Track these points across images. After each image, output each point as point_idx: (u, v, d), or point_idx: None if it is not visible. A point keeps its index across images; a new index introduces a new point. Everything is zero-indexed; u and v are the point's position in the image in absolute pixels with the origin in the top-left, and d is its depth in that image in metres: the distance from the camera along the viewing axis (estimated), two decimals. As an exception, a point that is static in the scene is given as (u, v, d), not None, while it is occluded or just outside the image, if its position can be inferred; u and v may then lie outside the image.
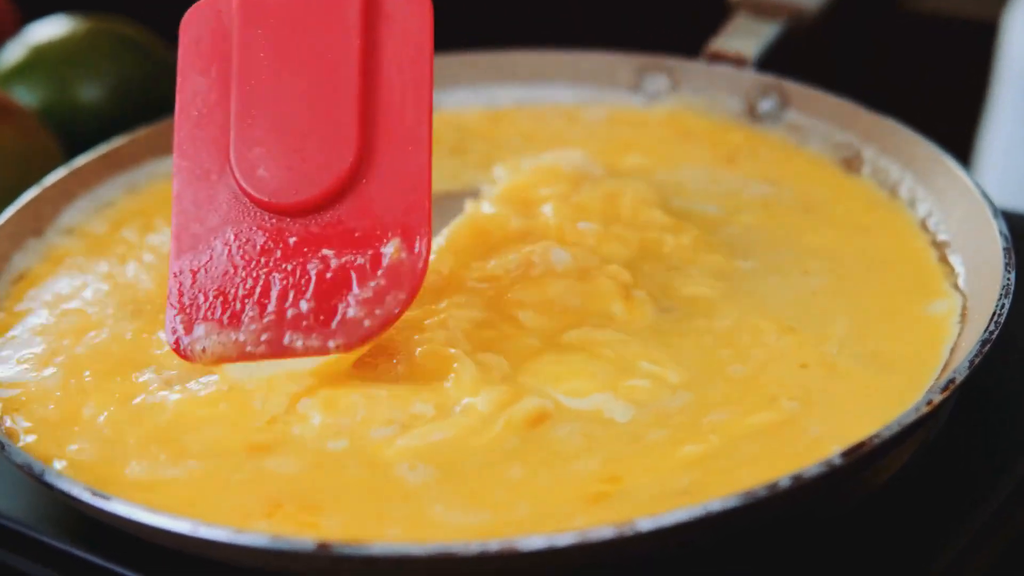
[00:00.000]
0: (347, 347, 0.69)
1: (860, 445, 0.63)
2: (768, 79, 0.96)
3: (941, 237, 0.82)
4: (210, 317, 0.71)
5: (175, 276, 0.72)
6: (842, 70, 1.26)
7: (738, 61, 0.97)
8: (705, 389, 0.71)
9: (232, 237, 0.72)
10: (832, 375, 0.72)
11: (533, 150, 0.92)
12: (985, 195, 0.79)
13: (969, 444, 0.74)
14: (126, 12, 1.12)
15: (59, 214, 0.89)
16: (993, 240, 0.76)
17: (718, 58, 0.98)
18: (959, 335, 0.74)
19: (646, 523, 0.60)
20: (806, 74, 0.95)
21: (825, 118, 0.93)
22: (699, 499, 0.62)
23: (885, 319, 0.76)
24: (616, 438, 0.68)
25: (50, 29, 1.08)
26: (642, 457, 0.67)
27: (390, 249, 0.70)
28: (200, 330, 0.71)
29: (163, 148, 0.95)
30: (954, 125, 1.05)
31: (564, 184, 0.85)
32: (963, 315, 0.75)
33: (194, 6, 0.75)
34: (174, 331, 0.71)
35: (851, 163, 0.90)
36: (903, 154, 0.87)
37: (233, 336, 0.70)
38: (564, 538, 0.60)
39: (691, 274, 0.79)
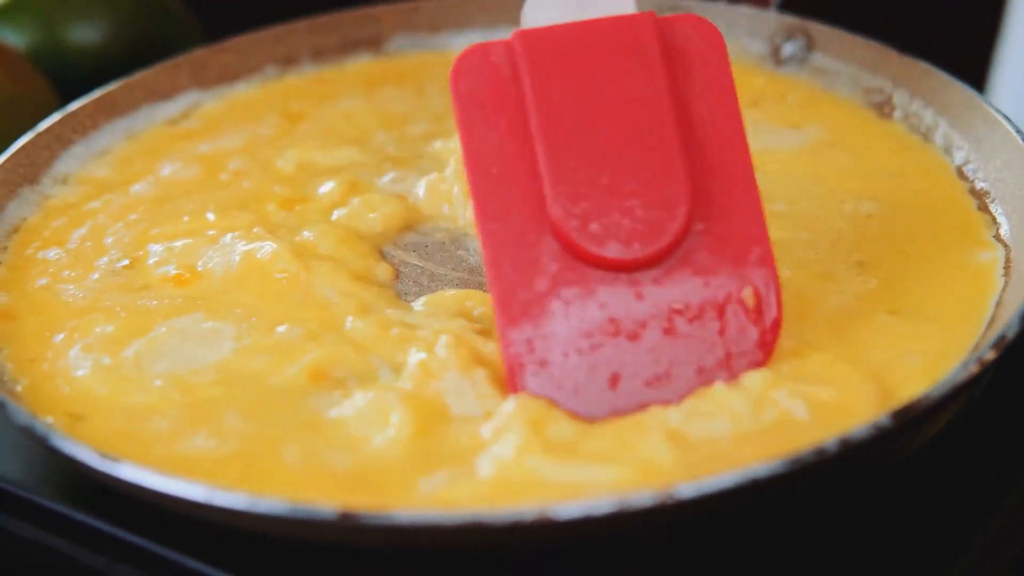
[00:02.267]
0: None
1: (910, 406, 0.60)
2: (792, 20, 0.92)
3: (980, 185, 0.78)
4: (560, 385, 0.66)
5: (508, 347, 0.66)
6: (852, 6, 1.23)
7: (760, 1, 0.94)
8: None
9: (571, 299, 0.67)
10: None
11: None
12: (1028, 141, 0.76)
13: (1012, 401, 0.71)
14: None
15: (55, 161, 0.85)
16: (1037, 188, 0.73)
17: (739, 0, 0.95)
18: (1004, 288, 0.71)
19: (687, 490, 0.57)
20: (818, 8, 0.92)
21: (853, 61, 0.89)
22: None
23: (926, 270, 0.73)
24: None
25: (38, -32, 1.04)
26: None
27: (745, 296, 0.67)
28: (550, 393, 0.66)
29: (161, 92, 0.92)
30: (966, 51, 1.02)
31: None
32: (1007, 267, 0.72)
33: (462, 56, 0.69)
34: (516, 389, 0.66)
35: (882, 107, 0.87)
36: (938, 99, 0.84)
37: (588, 396, 0.66)
38: (602, 506, 0.57)
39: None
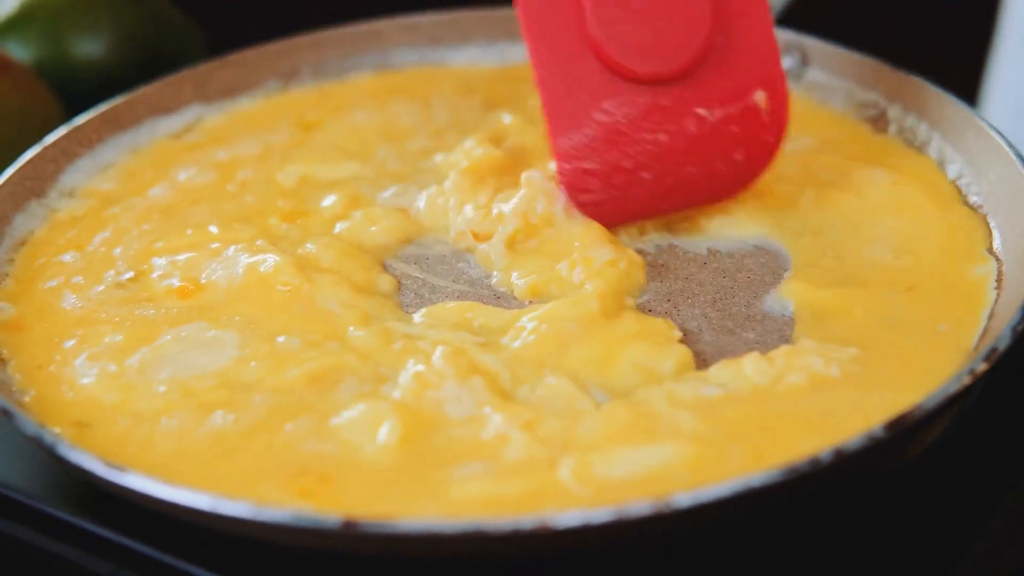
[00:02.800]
0: (731, 193, 0.78)
1: (903, 417, 0.61)
2: (789, 36, 0.93)
3: (973, 199, 0.79)
4: (605, 184, 0.76)
5: (561, 155, 0.76)
6: (849, 21, 1.24)
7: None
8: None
9: (612, 108, 0.75)
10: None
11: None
12: (1020, 156, 0.77)
13: (1005, 410, 0.72)
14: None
15: (60, 174, 0.86)
16: (1030, 204, 0.74)
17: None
18: (996, 301, 0.72)
19: (684, 499, 0.58)
20: (806, 23, 0.94)
21: (848, 76, 0.90)
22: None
23: (919, 283, 0.74)
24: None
25: (44, -19, 1.05)
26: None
27: (760, 98, 0.76)
28: (592, 195, 0.76)
29: (165, 106, 0.93)
30: (960, 67, 1.03)
31: None
32: (999, 280, 0.73)
33: None
34: (573, 195, 0.77)
35: (876, 122, 0.88)
36: (931, 113, 0.85)
37: (631, 195, 0.76)
38: (600, 515, 0.58)
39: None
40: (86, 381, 0.71)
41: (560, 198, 0.77)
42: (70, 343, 0.74)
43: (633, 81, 0.76)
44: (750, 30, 0.76)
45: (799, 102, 0.91)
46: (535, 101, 0.93)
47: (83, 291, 0.77)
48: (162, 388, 0.70)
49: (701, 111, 0.76)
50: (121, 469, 0.62)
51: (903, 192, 0.81)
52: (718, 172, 0.77)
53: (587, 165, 0.76)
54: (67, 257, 0.80)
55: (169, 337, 0.73)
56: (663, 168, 0.76)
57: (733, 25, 0.76)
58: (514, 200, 0.78)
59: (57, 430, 0.67)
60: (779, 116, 0.77)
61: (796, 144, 0.86)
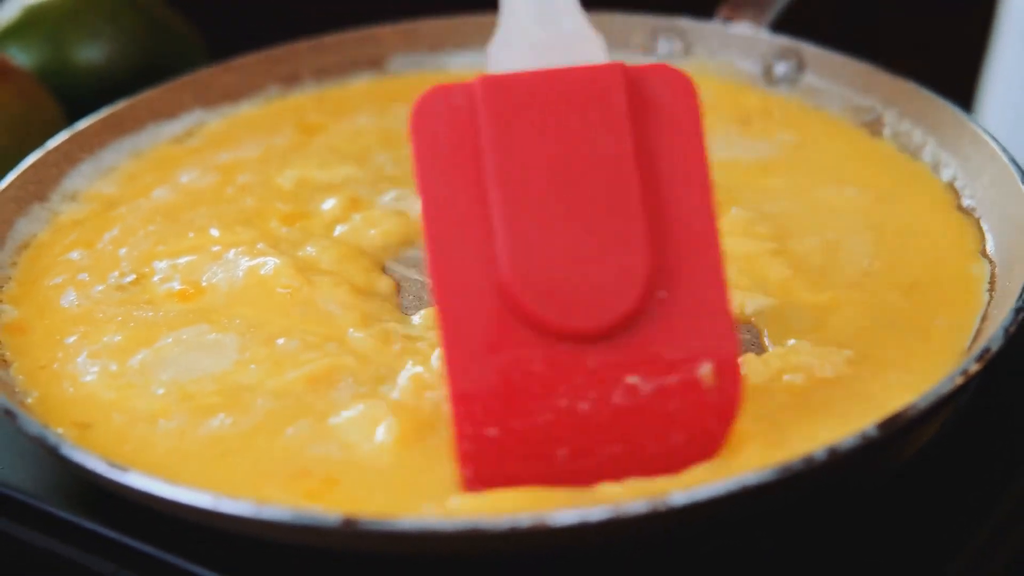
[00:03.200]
0: (670, 471, 0.63)
1: (896, 417, 0.62)
2: (784, 41, 0.94)
3: (967, 202, 0.80)
4: (509, 453, 0.63)
5: (458, 402, 0.63)
6: (844, 27, 1.25)
7: (753, 22, 0.95)
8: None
9: (520, 362, 0.63)
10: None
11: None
12: (1013, 160, 0.78)
13: (998, 411, 0.73)
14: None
15: (63, 178, 0.87)
16: (1022, 206, 0.75)
17: (733, 19, 0.96)
18: (989, 303, 0.72)
19: (680, 498, 0.59)
20: (802, 27, 0.94)
21: (843, 81, 0.91)
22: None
23: (914, 285, 0.74)
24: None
25: (45, -12, 1.06)
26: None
27: (705, 372, 0.63)
28: (498, 465, 0.63)
29: (166, 111, 0.94)
30: (955, 74, 1.04)
31: None
32: (992, 282, 0.74)
33: (422, 98, 0.65)
34: (466, 462, 0.63)
35: (872, 126, 0.89)
36: (926, 118, 0.85)
37: (535, 469, 0.63)
38: (596, 513, 0.58)
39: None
40: (87, 379, 0.71)
41: None
42: (72, 339, 0.74)
43: (551, 335, 0.63)
44: (700, 287, 0.63)
45: (795, 106, 0.92)
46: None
47: (86, 293, 0.78)
48: (161, 391, 0.70)
49: (632, 379, 0.62)
50: (123, 468, 0.63)
51: (898, 196, 0.82)
52: (648, 454, 0.63)
53: (488, 431, 0.63)
54: (70, 260, 0.81)
55: (170, 340, 0.74)
56: (581, 443, 0.63)
57: (679, 279, 0.63)
58: None
59: (59, 430, 0.68)
60: (729, 397, 0.63)
61: (792, 151, 0.87)
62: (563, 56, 0.66)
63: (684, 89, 0.65)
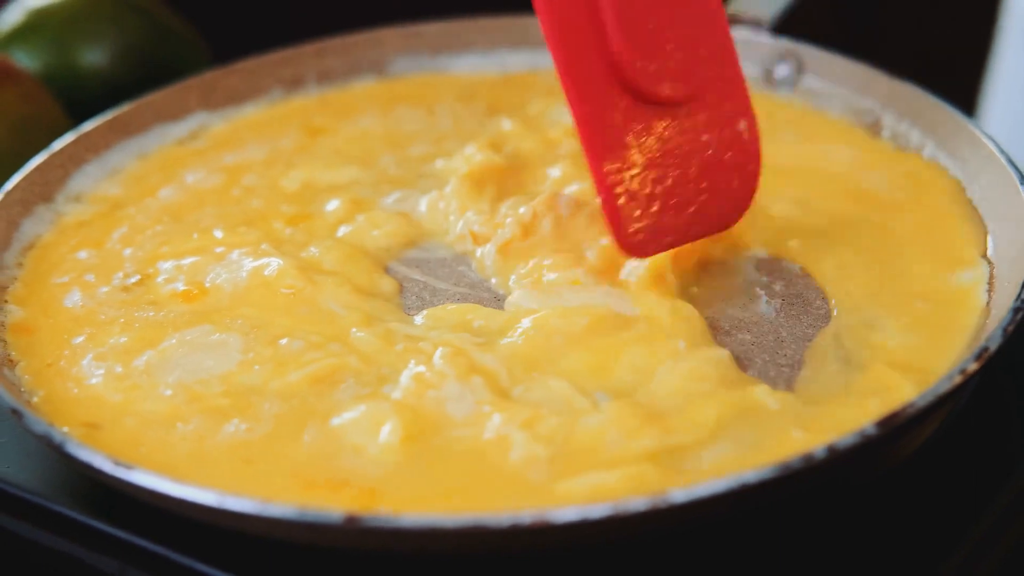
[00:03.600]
0: (732, 222, 0.78)
1: (894, 415, 0.62)
2: (785, 44, 0.95)
3: (966, 204, 0.81)
4: (644, 211, 0.75)
5: (602, 180, 0.74)
6: (845, 31, 1.25)
7: (754, 25, 0.96)
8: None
9: (641, 134, 0.75)
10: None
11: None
12: (1011, 162, 0.78)
13: (996, 412, 0.73)
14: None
15: (68, 179, 0.88)
16: (1020, 207, 0.75)
17: (734, 22, 0.97)
18: (988, 303, 0.73)
19: (680, 495, 0.59)
20: (805, 31, 0.95)
21: (843, 84, 0.92)
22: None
23: (913, 286, 0.75)
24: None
25: (49, -8, 1.07)
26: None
27: (743, 127, 0.77)
28: (638, 224, 0.75)
29: (171, 113, 0.94)
30: (957, 81, 1.04)
31: None
32: (991, 283, 0.74)
33: None
34: (618, 227, 0.74)
35: (872, 128, 0.89)
36: (924, 120, 0.86)
37: (665, 224, 0.75)
38: (598, 510, 0.59)
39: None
40: (94, 380, 0.72)
41: (563, 210, 0.79)
42: (78, 339, 0.75)
43: (653, 103, 0.75)
44: (726, 63, 0.77)
45: (796, 108, 0.93)
46: (534, 108, 0.95)
47: (91, 294, 0.79)
48: (169, 392, 0.71)
49: (705, 137, 0.76)
50: (128, 466, 0.63)
51: (897, 197, 0.83)
52: (722, 199, 0.77)
53: (623, 197, 0.74)
54: (75, 261, 0.82)
55: (175, 340, 0.74)
56: (686, 194, 0.76)
57: (712, 58, 0.77)
58: (522, 209, 0.80)
59: (66, 429, 0.68)
60: (756, 147, 0.78)
61: (793, 152, 0.88)
62: None
63: None
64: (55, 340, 0.75)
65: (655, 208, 0.75)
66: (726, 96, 0.77)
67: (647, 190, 0.74)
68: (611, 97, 0.74)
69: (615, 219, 0.74)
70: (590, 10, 0.72)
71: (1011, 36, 1.11)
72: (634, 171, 0.74)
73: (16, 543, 0.69)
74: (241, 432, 0.68)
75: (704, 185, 0.76)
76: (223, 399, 0.70)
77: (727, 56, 0.77)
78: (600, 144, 0.74)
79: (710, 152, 0.76)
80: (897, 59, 0.93)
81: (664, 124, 0.75)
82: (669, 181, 0.75)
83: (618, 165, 0.74)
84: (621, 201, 0.74)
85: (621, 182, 0.74)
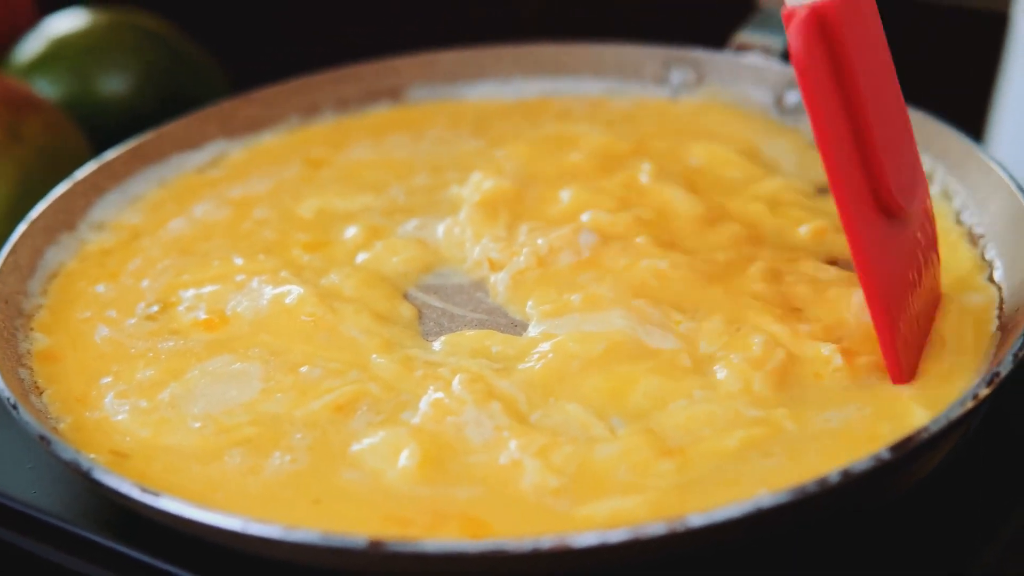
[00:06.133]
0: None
1: (908, 440, 0.63)
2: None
3: (976, 230, 0.82)
4: (905, 339, 0.71)
5: (887, 317, 0.70)
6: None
7: (765, 53, 0.97)
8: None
9: (896, 251, 0.72)
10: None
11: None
12: (1020, 188, 0.79)
13: (1007, 436, 0.74)
14: (143, 4, 1.12)
15: (90, 208, 0.89)
16: (1030, 233, 0.76)
17: (745, 50, 0.98)
18: (998, 328, 0.74)
19: (697, 519, 0.60)
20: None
21: (853, 110, 0.92)
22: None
23: (923, 311, 0.76)
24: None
25: (69, 22, 1.08)
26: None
27: (928, 207, 0.76)
28: (904, 354, 0.71)
29: (191, 141, 0.96)
30: (964, 113, 1.05)
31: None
32: (1000, 308, 0.75)
33: (799, 27, 0.66)
34: (893, 358, 0.70)
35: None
36: (934, 146, 0.87)
37: (916, 348, 0.72)
38: (616, 535, 0.60)
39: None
40: (121, 413, 0.73)
41: (584, 245, 0.80)
42: (102, 375, 0.76)
43: (897, 218, 0.72)
44: (914, 159, 0.75)
45: (804, 136, 0.94)
46: (545, 131, 0.96)
47: (114, 322, 0.80)
48: (197, 424, 0.72)
49: (919, 235, 0.74)
50: (155, 493, 0.64)
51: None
52: (930, 305, 0.75)
53: (903, 329, 0.71)
54: (98, 289, 0.83)
55: (197, 371, 0.75)
56: (922, 307, 0.74)
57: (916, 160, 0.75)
58: (540, 241, 0.81)
59: (93, 456, 0.69)
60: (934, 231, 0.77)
61: (789, 181, 0.89)
62: None
63: None
64: (81, 369, 0.77)
65: (909, 332, 0.72)
66: (917, 191, 0.74)
67: (910, 316, 0.72)
68: (877, 220, 0.70)
69: (892, 354, 0.70)
70: (860, 150, 0.69)
71: (1018, 64, 1.11)
72: (907, 302, 0.71)
73: (46, 569, 0.70)
74: (287, 464, 0.69)
75: (923, 292, 0.74)
76: (251, 429, 0.71)
77: (913, 152, 0.75)
78: (878, 273, 0.69)
79: (922, 252, 0.74)
80: (905, 85, 0.94)
81: (908, 237, 0.73)
82: (914, 296, 0.72)
83: (902, 306, 0.71)
84: (901, 330, 0.70)
85: (902, 311, 0.71)
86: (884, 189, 0.70)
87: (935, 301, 0.76)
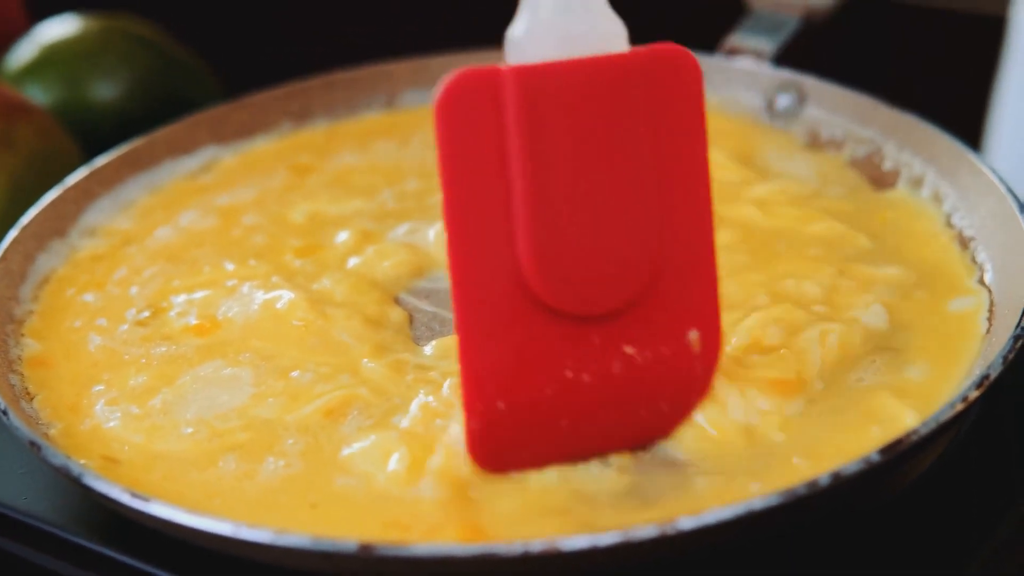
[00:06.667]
0: (650, 438, 0.68)
1: (897, 442, 0.63)
2: (786, 75, 0.96)
3: (967, 232, 0.82)
4: (515, 428, 0.66)
5: (470, 379, 0.66)
6: (847, 65, 1.26)
7: (755, 57, 0.97)
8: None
9: (530, 340, 0.66)
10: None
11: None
12: (1011, 191, 0.79)
13: (997, 439, 0.74)
14: (135, 10, 1.12)
15: (81, 214, 0.89)
16: (1019, 235, 0.76)
17: (735, 54, 0.98)
18: (988, 331, 0.74)
19: (688, 522, 0.60)
20: (810, 68, 0.96)
21: (844, 114, 0.93)
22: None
23: (913, 315, 0.76)
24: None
25: (61, 28, 1.08)
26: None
27: (693, 338, 0.68)
28: (505, 441, 0.67)
29: (182, 147, 0.96)
30: (960, 119, 1.06)
31: None
32: (991, 311, 0.75)
33: (452, 82, 0.63)
34: (475, 439, 0.67)
35: (873, 157, 0.91)
36: (925, 150, 0.87)
37: (539, 443, 0.67)
38: (607, 538, 0.60)
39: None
40: (113, 418, 0.73)
41: None
42: (93, 381, 0.76)
43: (561, 315, 0.66)
44: (692, 265, 0.67)
45: (796, 140, 0.94)
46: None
47: (105, 328, 0.80)
48: (189, 430, 0.72)
49: (628, 350, 0.66)
50: (145, 498, 0.64)
51: (898, 225, 0.84)
52: (639, 419, 0.68)
53: (498, 405, 0.66)
54: (89, 295, 0.83)
55: (188, 377, 0.75)
56: (582, 413, 0.67)
57: (674, 260, 0.67)
58: None
59: (83, 462, 0.69)
60: (711, 354, 0.68)
61: (793, 180, 0.89)
62: (584, 46, 0.65)
63: (690, 72, 0.66)
64: (71, 374, 0.76)
65: (529, 423, 0.66)
66: (674, 306, 0.67)
67: (526, 402, 0.66)
68: (503, 281, 0.65)
69: (475, 431, 0.66)
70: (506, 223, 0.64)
71: (1016, 68, 1.12)
72: (513, 377, 0.66)
73: (36, 573, 0.70)
74: (281, 469, 0.69)
75: (616, 403, 0.67)
76: (244, 434, 0.71)
77: (689, 258, 0.67)
78: (475, 343, 0.65)
79: (634, 367, 0.67)
80: (900, 91, 0.94)
81: (570, 332, 0.66)
82: (561, 396, 0.66)
83: (494, 365, 0.65)
84: (491, 407, 0.65)
85: (493, 389, 0.65)
86: (527, 272, 0.65)
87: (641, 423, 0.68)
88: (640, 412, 0.68)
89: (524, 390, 0.66)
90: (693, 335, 0.68)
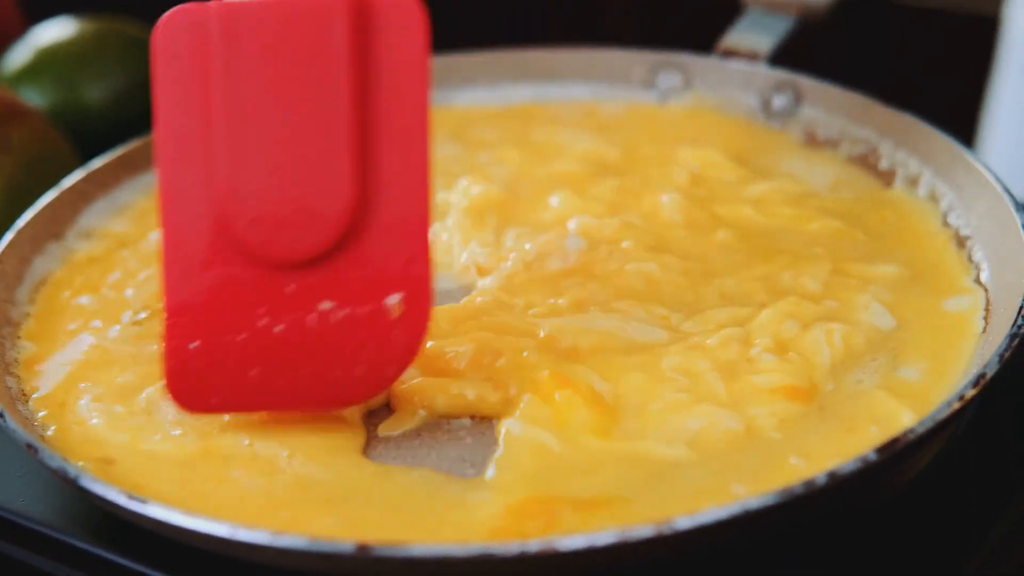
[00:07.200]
0: (345, 403, 0.67)
1: (894, 441, 0.63)
2: (782, 75, 0.96)
3: (963, 231, 0.82)
4: (208, 369, 0.67)
5: (170, 315, 0.67)
6: (843, 64, 1.27)
7: (751, 57, 0.97)
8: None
9: (227, 281, 0.66)
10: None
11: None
12: (1007, 189, 0.79)
13: (994, 437, 0.74)
14: (130, 12, 1.12)
15: (77, 216, 0.89)
16: (1016, 234, 0.76)
17: (731, 54, 0.98)
18: (984, 330, 0.74)
19: (685, 522, 0.60)
20: (806, 68, 0.96)
21: (840, 113, 0.93)
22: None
23: (910, 314, 0.76)
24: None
25: (56, 31, 1.08)
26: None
27: (393, 302, 0.65)
28: (198, 381, 0.67)
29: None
30: (956, 118, 1.06)
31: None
32: (987, 309, 0.76)
33: (167, 17, 0.66)
34: (171, 377, 0.68)
35: (869, 157, 0.91)
36: (921, 149, 0.87)
37: (232, 388, 0.67)
38: (604, 537, 0.60)
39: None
40: (107, 420, 0.72)
41: (571, 249, 0.79)
42: (89, 383, 0.75)
43: (258, 258, 0.66)
44: (400, 226, 0.65)
45: (792, 140, 0.94)
46: (534, 136, 0.96)
47: (101, 331, 0.79)
48: (178, 432, 0.71)
49: (324, 305, 0.65)
50: (142, 500, 0.64)
51: (894, 225, 0.84)
52: (334, 380, 0.66)
53: (192, 344, 0.66)
54: (85, 297, 0.83)
55: None
56: (272, 364, 0.66)
57: (384, 212, 0.65)
58: (528, 246, 0.81)
59: (80, 464, 0.69)
60: (417, 323, 0.65)
61: (789, 181, 0.89)
62: None
63: (411, 20, 0.65)
64: (68, 376, 0.76)
65: (222, 367, 0.66)
66: (377, 264, 0.65)
67: (218, 346, 0.66)
68: (202, 220, 0.66)
69: (173, 371, 0.67)
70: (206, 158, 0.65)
71: (1010, 68, 1.12)
72: (205, 318, 0.66)
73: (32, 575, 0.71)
74: (245, 462, 0.69)
75: (310, 360, 0.66)
76: (231, 433, 0.70)
77: (399, 213, 0.65)
78: (176, 280, 0.66)
79: (329, 324, 0.65)
80: (896, 90, 0.94)
81: (265, 279, 0.66)
82: (252, 344, 0.66)
83: (190, 305, 0.66)
84: (185, 347, 0.66)
85: (188, 328, 0.66)
86: (223, 211, 0.66)
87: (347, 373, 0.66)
88: (334, 373, 0.65)
89: (218, 332, 0.66)
90: (394, 299, 0.65)
